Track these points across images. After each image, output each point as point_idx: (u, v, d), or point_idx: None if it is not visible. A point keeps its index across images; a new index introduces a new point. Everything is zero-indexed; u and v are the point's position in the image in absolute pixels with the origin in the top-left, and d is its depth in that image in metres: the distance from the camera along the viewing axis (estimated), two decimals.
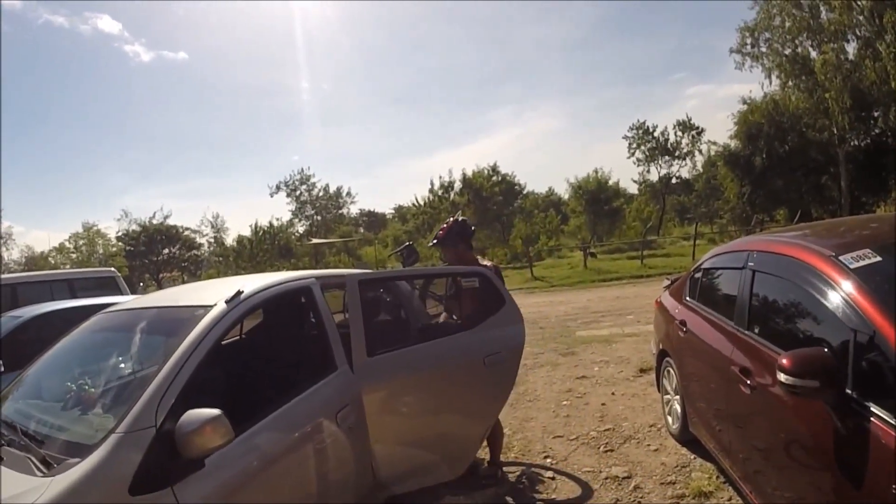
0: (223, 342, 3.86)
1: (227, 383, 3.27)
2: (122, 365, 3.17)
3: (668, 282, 5.70)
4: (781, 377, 2.36)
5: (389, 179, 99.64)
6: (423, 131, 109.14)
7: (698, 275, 4.69)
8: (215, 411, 2.29)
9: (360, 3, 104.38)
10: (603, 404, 6.22)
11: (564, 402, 6.45)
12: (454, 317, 4.58)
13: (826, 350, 2.45)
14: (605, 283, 20.69)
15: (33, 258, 45.88)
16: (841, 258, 2.66)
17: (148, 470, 2.23)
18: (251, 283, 3.34)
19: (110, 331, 3.63)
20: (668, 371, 5.07)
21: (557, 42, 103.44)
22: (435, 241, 4.90)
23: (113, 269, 12.27)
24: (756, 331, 3.27)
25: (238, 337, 4.72)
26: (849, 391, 2.28)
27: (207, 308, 2.97)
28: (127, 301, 4.75)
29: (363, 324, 3.60)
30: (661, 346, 5.26)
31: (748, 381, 3.11)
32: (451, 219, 4.96)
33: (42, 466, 2.26)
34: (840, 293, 2.52)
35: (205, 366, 2.65)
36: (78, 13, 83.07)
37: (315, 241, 47.35)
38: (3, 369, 4.95)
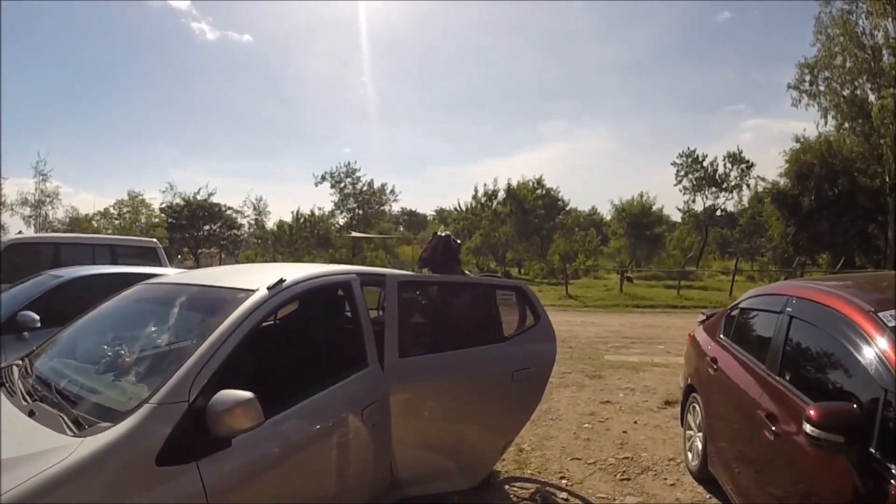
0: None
1: (260, 367, 3.35)
2: (159, 337, 3.29)
3: (704, 317, 5.67)
4: (807, 428, 2.36)
5: (435, 182, 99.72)
6: (473, 138, 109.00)
7: (734, 313, 4.67)
8: (248, 394, 2.36)
9: (425, 7, 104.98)
10: (624, 432, 6.20)
11: (586, 425, 6.45)
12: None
13: (854, 406, 2.44)
14: (638, 308, 20.52)
15: (77, 219, 46.05)
16: (880, 315, 2.65)
17: (176, 443, 2.30)
18: (293, 272, 3.42)
19: (151, 301, 3.76)
20: (694, 407, 5.04)
21: (617, 63, 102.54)
22: (422, 263, 5.00)
23: (155, 240, 12.49)
24: (787, 377, 3.26)
25: (273, 322, 4.81)
26: (873, 450, 2.28)
27: (249, 292, 3.06)
28: (170, 274, 4.89)
29: (398, 324, 3.66)
30: (689, 381, 5.24)
31: (773, 427, 3.10)
32: (436, 234, 5.04)
33: (73, 426, 2.35)
34: (875, 349, 2.51)
35: (242, 348, 2.73)
36: None
37: (354, 234, 47.61)
38: (39, 325, 5.13)
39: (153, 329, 3.38)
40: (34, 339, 4.74)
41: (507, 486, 4.83)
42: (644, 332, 13.99)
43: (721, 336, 4.73)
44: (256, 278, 3.29)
